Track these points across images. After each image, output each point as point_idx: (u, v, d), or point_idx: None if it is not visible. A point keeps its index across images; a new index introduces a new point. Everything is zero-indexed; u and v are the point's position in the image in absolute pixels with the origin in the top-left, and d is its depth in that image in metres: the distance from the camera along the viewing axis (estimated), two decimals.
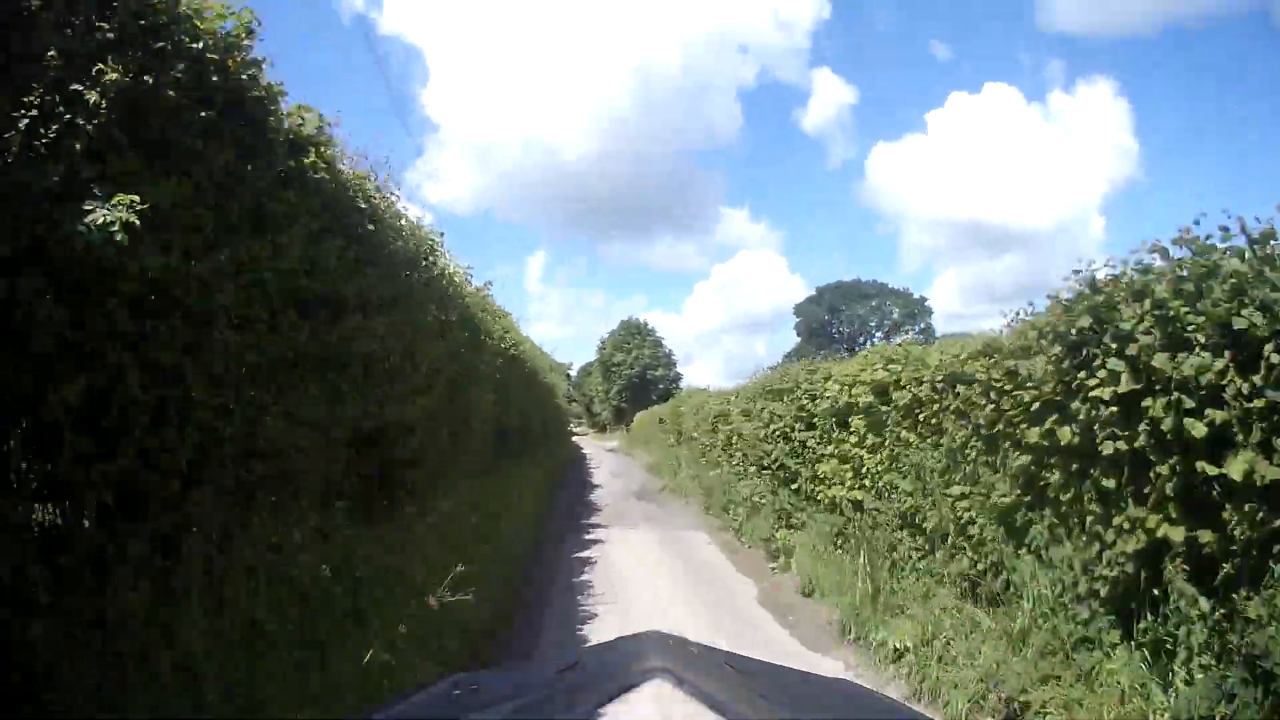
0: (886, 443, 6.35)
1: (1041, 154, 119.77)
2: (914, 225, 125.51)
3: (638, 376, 52.35)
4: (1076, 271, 4.05)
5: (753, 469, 10.36)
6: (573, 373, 77.61)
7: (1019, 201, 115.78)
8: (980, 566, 4.79)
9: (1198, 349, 3.17)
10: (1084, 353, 3.76)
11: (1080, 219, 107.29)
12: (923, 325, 65.96)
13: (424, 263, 5.79)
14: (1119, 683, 3.44)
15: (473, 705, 1.35)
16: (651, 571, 8.44)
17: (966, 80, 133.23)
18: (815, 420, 8.20)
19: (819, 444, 8.05)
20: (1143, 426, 3.34)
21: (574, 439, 39.88)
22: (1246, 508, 2.94)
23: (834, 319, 69.21)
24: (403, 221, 5.52)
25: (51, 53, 2.43)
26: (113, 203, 2.37)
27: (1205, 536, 3.12)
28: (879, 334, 66.07)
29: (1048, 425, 3.96)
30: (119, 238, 2.35)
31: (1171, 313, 3.30)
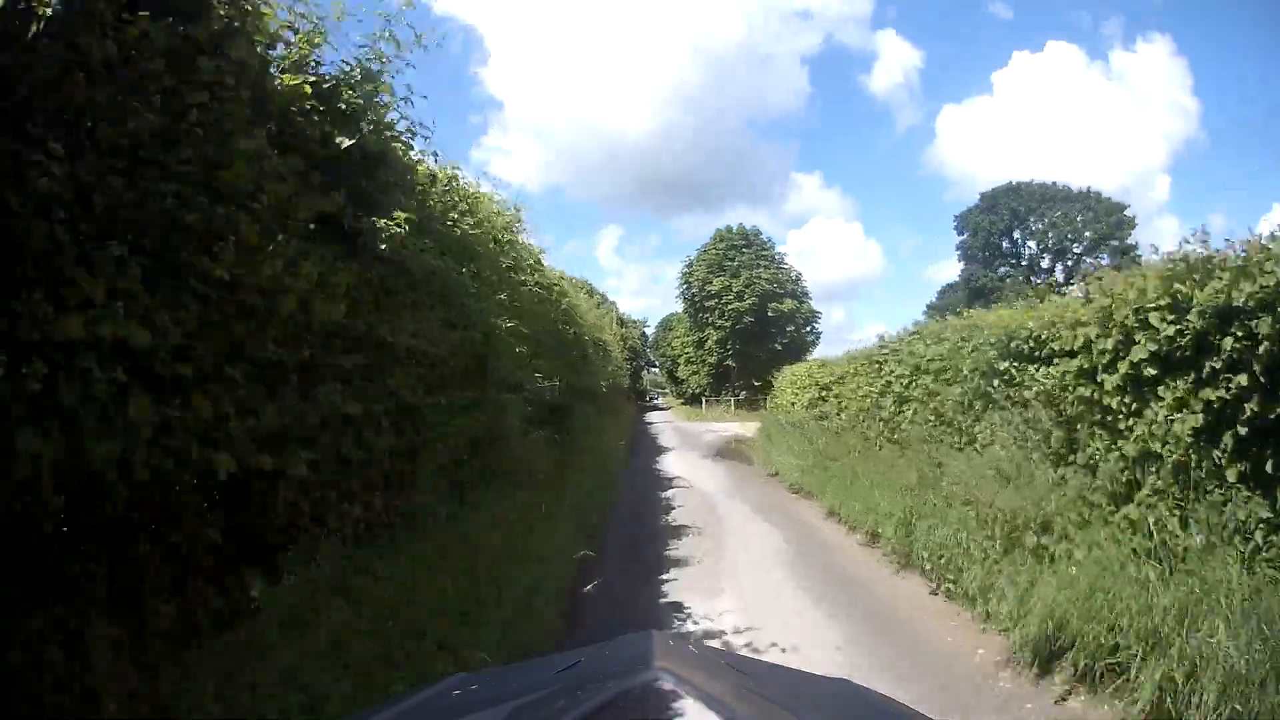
0: None
1: (1105, 113, 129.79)
2: (983, 188, 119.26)
3: (752, 313, 43.07)
4: None
5: None
6: (649, 330, 74.60)
7: (1084, 162, 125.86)
8: None
9: None
10: None
11: (1145, 179, 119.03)
12: (1124, 243, 55.91)
13: None
14: None
15: (473, 705, 1.56)
16: None
17: (1028, 39, 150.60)
18: None
19: None
20: None
21: (650, 422, 36.63)
22: None
23: (1009, 235, 59.77)
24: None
25: None
26: None
27: None
28: (1074, 251, 56.68)
29: None
30: None
31: None
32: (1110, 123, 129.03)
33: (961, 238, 63.76)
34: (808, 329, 44.81)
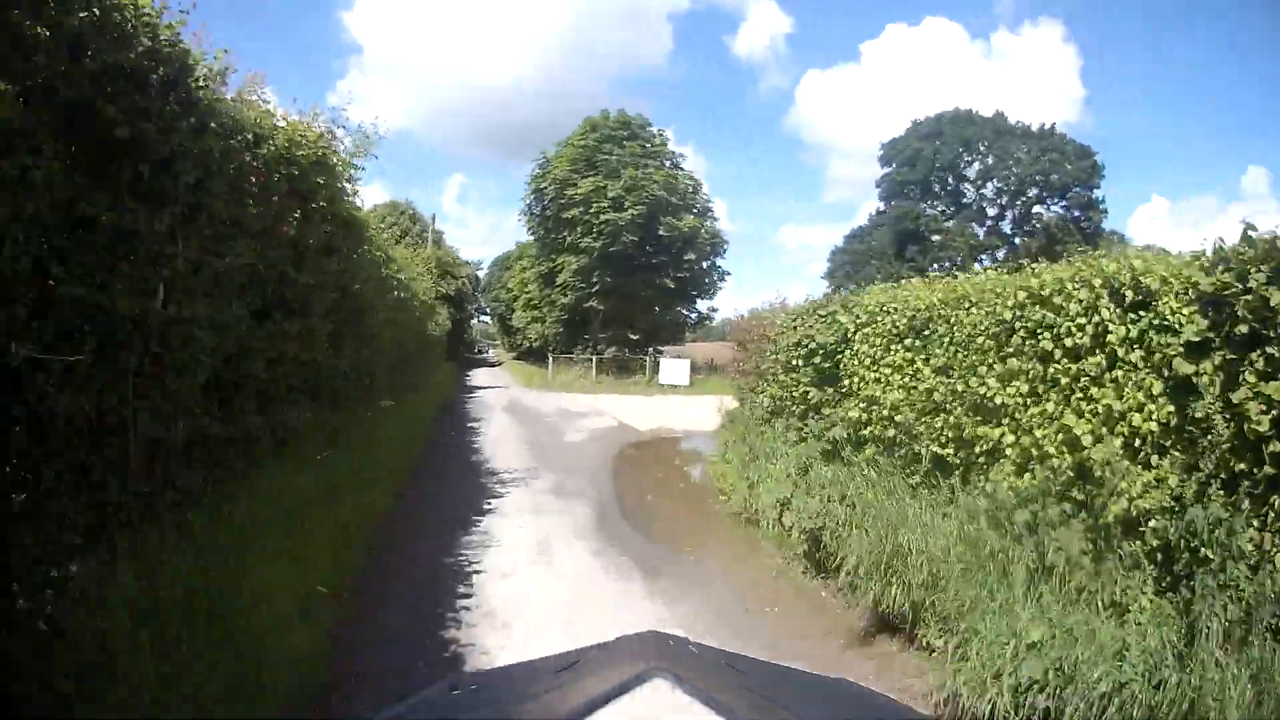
0: None
1: (980, 92, 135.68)
2: (841, 156, 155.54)
3: (635, 229, 31.55)
4: None
5: None
6: (483, 272, 66.51)
7: None
8: None
9: None
10: None
11: None
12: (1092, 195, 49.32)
13: None
14: None
15: (473, 705, 1.66)
16: None
17: (907, 13, 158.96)
18: None
19: None
20: None
21: (473, 389, 29.00)
22: None
23: (954, 169, 52.12)
24: None
25: None
26: None
27: None
28: (1028, 195, 49.87)
29: None
30: None
31: None
32: (984, 102, 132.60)
33: (887, 170, 55.83)
34: (714, 262, 34.99)
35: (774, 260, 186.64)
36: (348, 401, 10.74)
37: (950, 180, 52.77)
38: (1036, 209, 51.46)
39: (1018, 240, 50.69)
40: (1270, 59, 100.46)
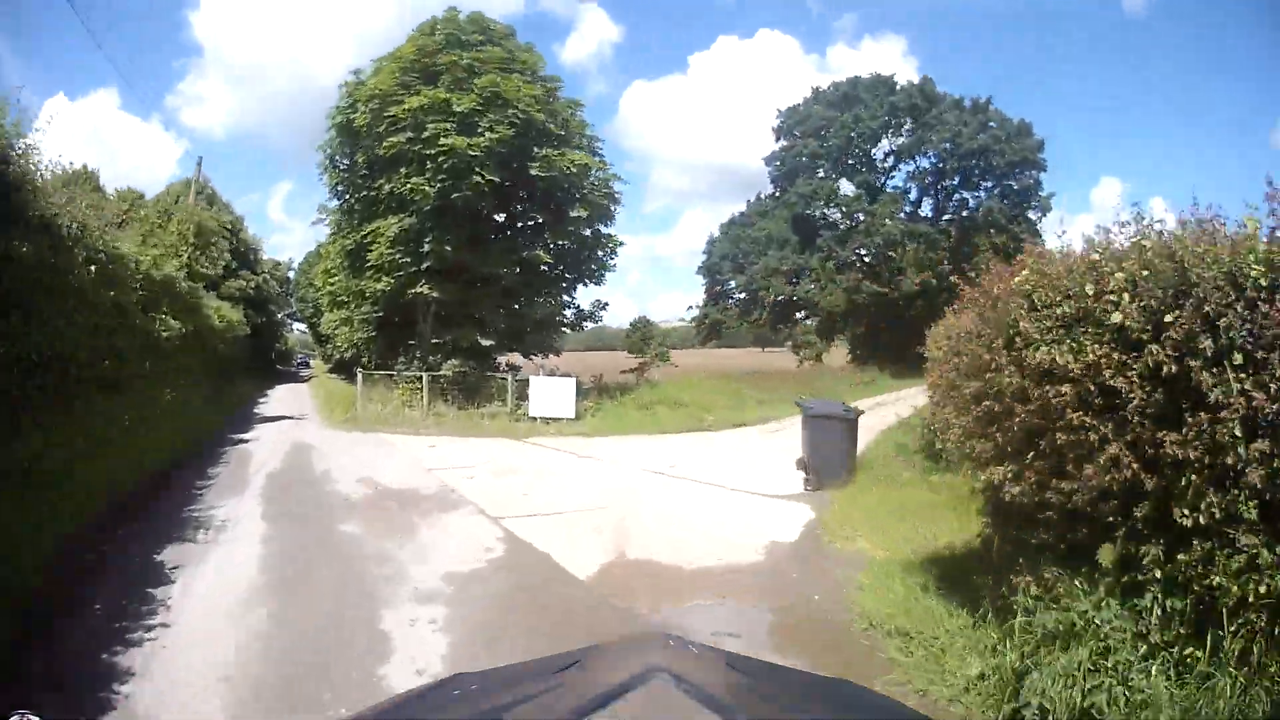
0: None
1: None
2: (664, 166, 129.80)
3: (496, 162, 21.56)
4: None
5: None
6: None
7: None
8: None
9: None
10: None
11: None
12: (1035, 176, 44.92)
13: None
14: None
15: (473, 705, 1.74)
16: None
17: (740, 25, 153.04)
18: None
19: None
20: None
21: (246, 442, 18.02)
22: None
23: (875, 141, 47.54)
24: None
25: None
26: None
27: None
28: (955, 170, 45.57)
29: None
30: None
31: None
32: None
33: (779, 145, 49.59)
34: (601, 230, 25.59)
35: None
36: None
37: (865, 156, 47.13)
38: (972, 193, 47.21)
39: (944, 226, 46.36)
40: (1118, 76, 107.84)
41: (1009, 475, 5.04)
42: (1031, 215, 45.58)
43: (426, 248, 21.79)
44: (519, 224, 24.63)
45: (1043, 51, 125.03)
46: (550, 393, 21.42)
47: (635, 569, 7.95)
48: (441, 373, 22.90)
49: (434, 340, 23.59)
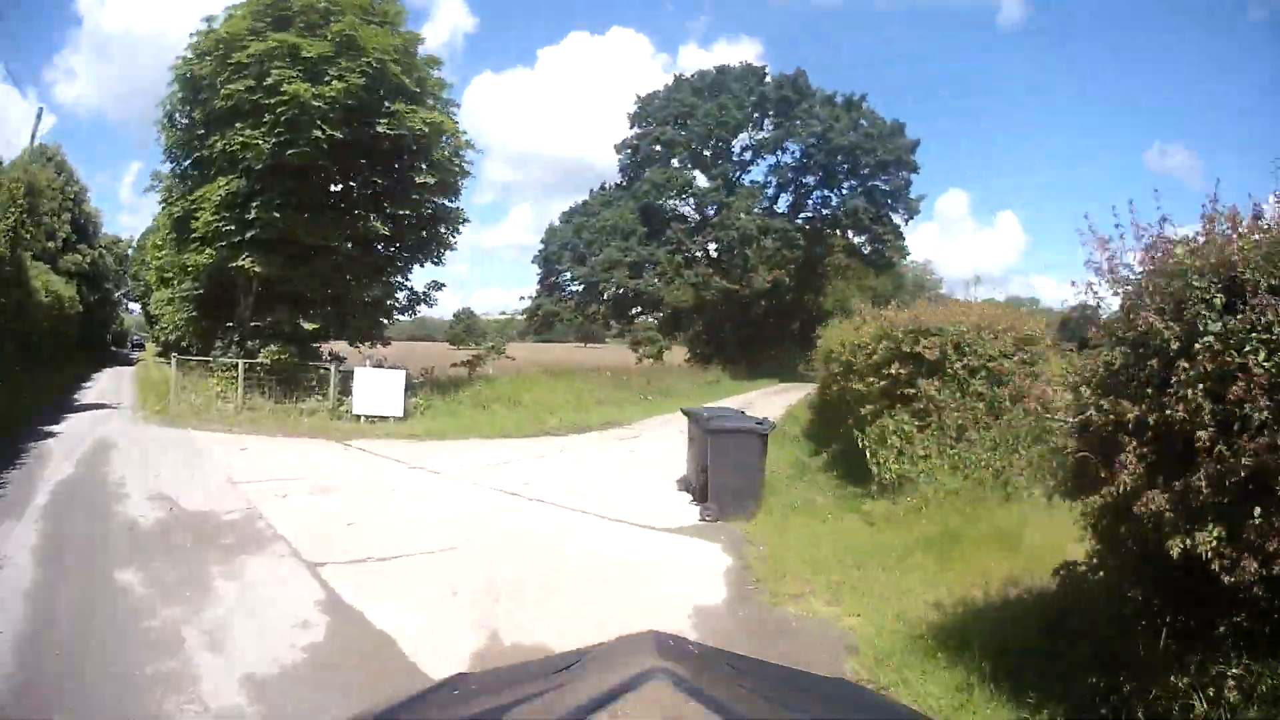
0: None
1: None
2: (497, 158, 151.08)
3: (342, 113, 18.89)
4: None
5: None
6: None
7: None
8: None
9: None
10: None
11: None
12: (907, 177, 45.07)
13: None
14: None
15: (472, 705, 1.70)
16: None
17: (594, 22, 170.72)
18: None
19: None
20: None
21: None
22: None
23: (739, 131, 46.59)
24: None
25: None
26: None
27: None
28: (813, 164, 43.72)
29: None
30: None
31: None
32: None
33: (633, 131, 47.97)
34: (446, 204, 23.13)
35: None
36: None
37: (726, 147, 46.24)
38: (836, 191, 47.14)
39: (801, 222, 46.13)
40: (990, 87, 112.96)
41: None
42: (898, 218, 46.07)
43: (254, 213, 18.89)
44: (356, 193, 21.78)
45: (904, 62, 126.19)
46: (377, 387, 19.21)
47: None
48: (260, 360, 20.04)
49: (254, 323, 20.64)
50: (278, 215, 18.90)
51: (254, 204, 18.87)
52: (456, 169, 22.13)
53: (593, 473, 13.71)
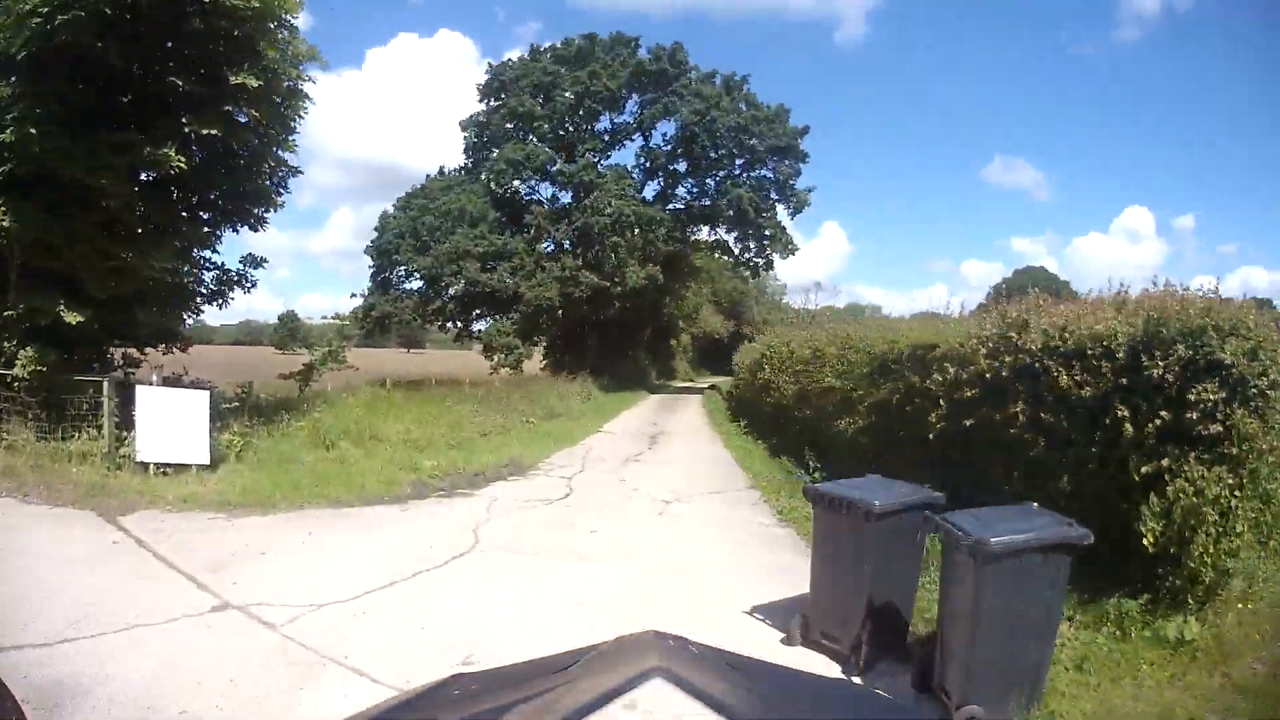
0: None
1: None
2: (320, 162, 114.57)
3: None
4: None
5: None
6: None
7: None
8: None
9: None
10: None
11: None
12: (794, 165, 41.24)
13: None
14: None
15: (472, 705, 1.67)
16: None
17: (422, 24, 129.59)
18: None
19: None
20: None
21: None
22: None
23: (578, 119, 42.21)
24: None
25: None
26: None
27: None
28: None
29: None
30: None
31: None
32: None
33: (484, 105, 42.80)
34: (285, 137, 15.70)
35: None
36: None
37: (592, 125, 41.57)
38: (714, 178, 43.32)
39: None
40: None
41: None
42: (784, 210, 42.74)
43: (8, 132, 11.96)
44: (149, 101, 13.88)
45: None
46: (169, 417, 12.27)
47: None
48: (13, 372, 13.03)
49: (7, 312, 13.23)
50: (35, 133, 11.90)
51: (9, 115, 11.97)
52: (292, 92, 14.98)
53: (558, 602, 7.36)
